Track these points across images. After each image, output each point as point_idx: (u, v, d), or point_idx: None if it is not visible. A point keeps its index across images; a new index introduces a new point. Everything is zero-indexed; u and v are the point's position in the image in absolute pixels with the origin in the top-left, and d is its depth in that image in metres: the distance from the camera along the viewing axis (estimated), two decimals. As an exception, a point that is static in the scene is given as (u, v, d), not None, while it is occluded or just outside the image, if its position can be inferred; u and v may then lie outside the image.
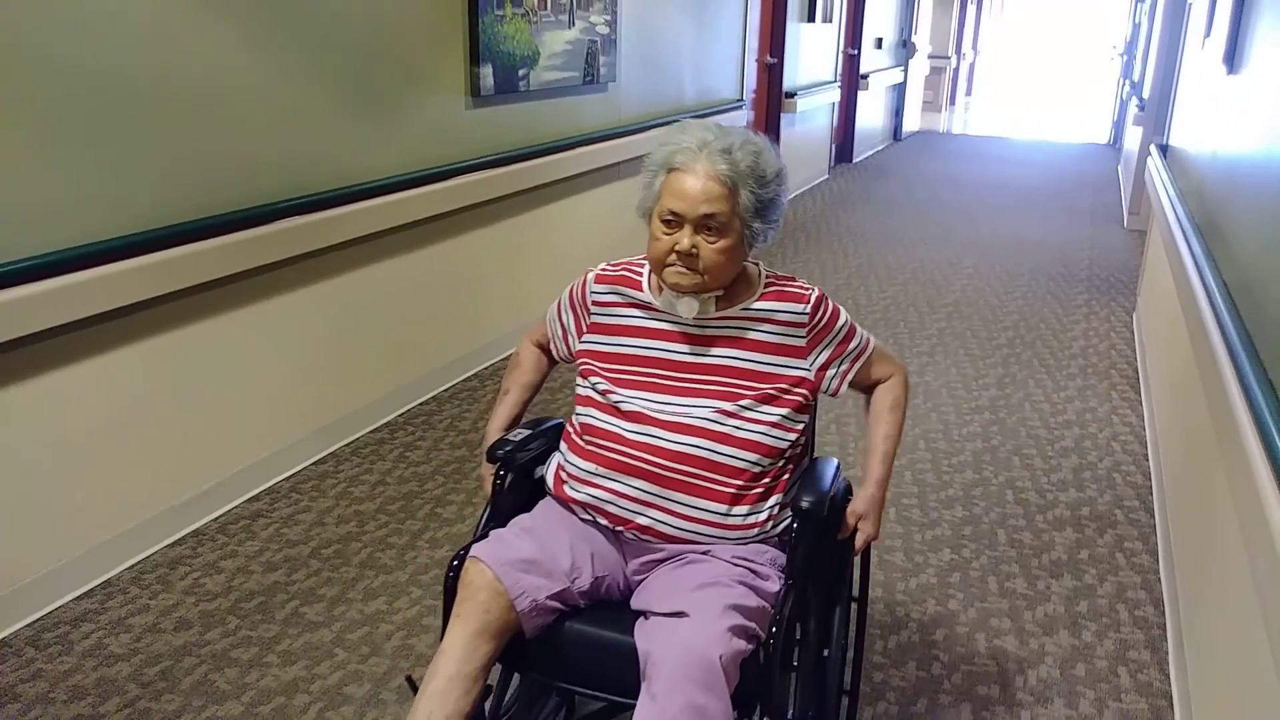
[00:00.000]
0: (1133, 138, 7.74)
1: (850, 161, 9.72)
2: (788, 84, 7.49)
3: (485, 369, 4.00)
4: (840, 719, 1.87)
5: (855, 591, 1.90)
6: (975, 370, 4.15)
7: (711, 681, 1.39)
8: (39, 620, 2.33)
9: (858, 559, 1.81)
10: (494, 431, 1.81)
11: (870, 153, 10.41)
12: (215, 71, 2.61)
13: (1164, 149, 4.56)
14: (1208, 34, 3.72)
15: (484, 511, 1.74)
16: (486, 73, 3.66)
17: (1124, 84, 11.15)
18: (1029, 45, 26.82)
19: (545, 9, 3.98)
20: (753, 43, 6.68)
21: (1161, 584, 2.61)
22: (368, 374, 3.39)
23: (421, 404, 3.63)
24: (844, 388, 1.74)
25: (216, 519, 2.80)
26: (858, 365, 1.75)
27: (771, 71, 7.37)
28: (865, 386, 1.79)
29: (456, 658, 1.47)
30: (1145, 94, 7.08)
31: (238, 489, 2.89)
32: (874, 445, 1.76)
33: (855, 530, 1.71)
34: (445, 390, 3.76)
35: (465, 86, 3.63)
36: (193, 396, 2.71)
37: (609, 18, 4.49)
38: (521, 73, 3.88)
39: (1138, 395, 3.91)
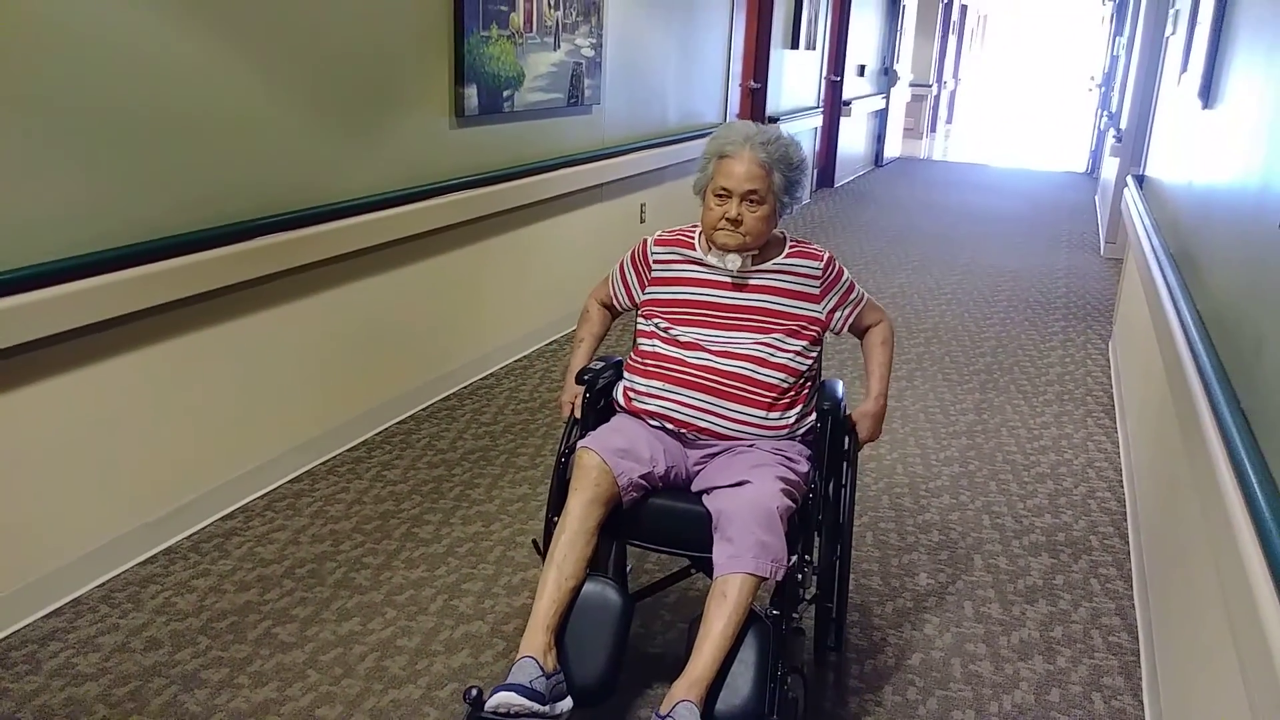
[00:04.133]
0: (1110, 168, 7.84)
1: (831, 186, 9.79)
2: (770, 109, 7.56)
3: (464, 388, 3.99)
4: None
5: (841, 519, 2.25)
6: (953, 395, 4.18)
7: (772, 525, 1.88)
8: (6, 639, 2.29)
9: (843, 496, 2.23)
10: (574, 369, 2.26)
11: (851, 178, 10.50)
12: (204, 91, 2.60)
13: (1140, 180, 4.62)
14: (1184, 69, 3.78)
15: (569, 426, 2.19)
16: (471, 93, 3.68)
17: (1102, 115, 11.31)
18: (1009, 75, 27.21)
19: (531, 31, 4.00)
20: (736, 68, 6.74)
21: (1135, 610, 2.63)
22: (345, 392, 3.37)
23: (399, 423, 3.62)
24: (845, 328, 2.23)
25: (189, 537, 2.77)
26: (857, 310, 2.24)
27: (755, 96, 7.43)
28: (860, 330, 2.27)
29: (578, 517, 1.93)
30: (1123, 125, 7.19)
31: (211, 507, 2.87)
32: (871, 369, 2.25)
33: (857, 436, 2.20)
34: (423, 409, 3.75)
35: (450, 107, 3.64)
36: (167, 413, 2.68)
37: (594, 41, 4.52)
38: (506, 93, 3.90)
39: (1113, 422, 3.95)
